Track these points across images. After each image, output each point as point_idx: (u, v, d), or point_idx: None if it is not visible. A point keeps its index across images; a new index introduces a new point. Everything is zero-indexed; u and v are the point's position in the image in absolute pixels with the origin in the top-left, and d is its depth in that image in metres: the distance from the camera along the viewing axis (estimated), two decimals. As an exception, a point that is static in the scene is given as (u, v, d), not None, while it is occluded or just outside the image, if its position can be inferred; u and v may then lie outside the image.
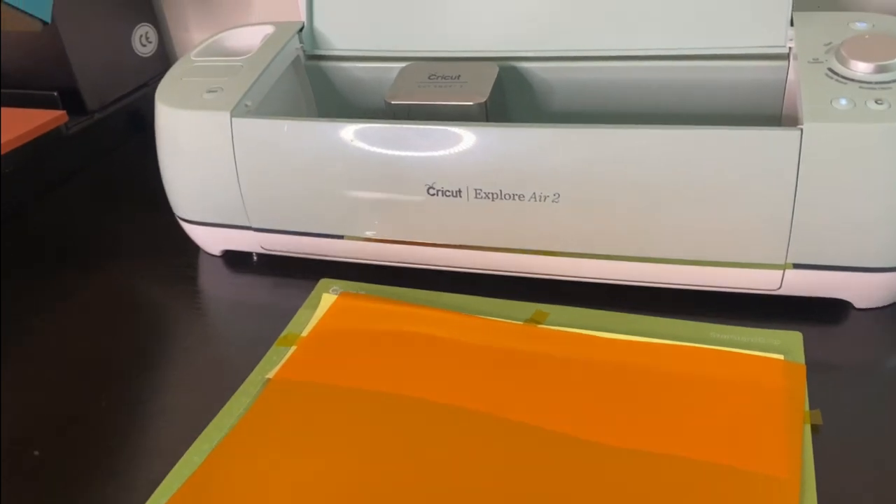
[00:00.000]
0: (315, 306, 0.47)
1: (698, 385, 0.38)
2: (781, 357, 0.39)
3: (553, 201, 0.42)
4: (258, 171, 0.47)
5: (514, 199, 0.42)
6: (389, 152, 0.44)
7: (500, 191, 0.43)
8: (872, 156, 0.37)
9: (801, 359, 0.39)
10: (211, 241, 0.53)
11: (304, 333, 0.45)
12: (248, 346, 0.45)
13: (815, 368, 0.39)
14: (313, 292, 0.48)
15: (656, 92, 0.49)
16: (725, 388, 0.38)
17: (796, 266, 0.41)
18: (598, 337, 0.42)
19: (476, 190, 0.43)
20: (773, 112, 0.47)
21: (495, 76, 0.49)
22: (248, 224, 0.49)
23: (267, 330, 0.46)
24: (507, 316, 0.44)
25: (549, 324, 0.43)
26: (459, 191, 0.43)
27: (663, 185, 0.40)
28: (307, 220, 0.48)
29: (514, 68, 0.51)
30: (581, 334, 0.42)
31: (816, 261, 0.40)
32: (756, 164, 0.38)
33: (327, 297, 0.47)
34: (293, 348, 0.44)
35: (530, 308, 0.44)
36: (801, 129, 0.37)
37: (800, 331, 0.41)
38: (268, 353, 0.44)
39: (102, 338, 0.48)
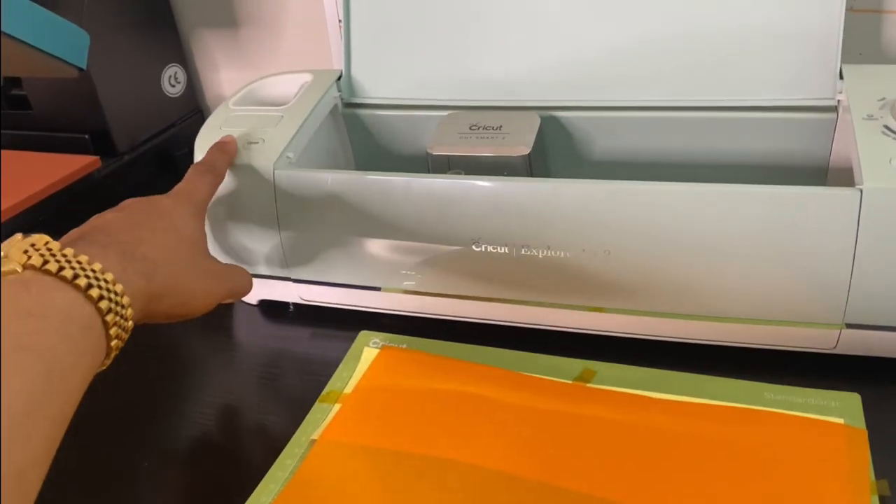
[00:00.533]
0: (356, 360, 0.46)
1: (755, 450, 0.37)
2: (841, 420, 0.38)
3: (603, 259, 0.41)
4: (300, 222, 0.46)
5: (562, 254, 0.42)
6: (435, 206, 0.43)
7: (549, 247, 0.42)
8: (934, 217, 0.37)
9: (862, 422, 0.38)
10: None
11: (347, 390, 0.44)
12: (288, 402, 0.44)
13: (874, 432, 0.38)
14: (353, 346, 0.47)
15: (702, 142, 0.48)
16: (784, 453, 0.37)
17: (850, 326, 0.40)
18: (648, 398, 0.41)
19: (523, 246, 0.42)
20: (819, 164, 0.47)
21: (537, 127, 0.48)
22: (287, 275, 0.49)
23: (307, 384, 0.45)
24: (554, 373, 0.43)
25: (597, 382, 0.43)
26: (506, 246, 0.43)
27: (718, 242, 0.39)
28: (348, 273, 0.47)
29: (555, 118, 0.50)
30: (631, 395, 0.41)
31: (873, 321, 0.40)
32: (814, 224, 0.38)
33: (368, 350, 0.47)
34: (336, 406, 0.43)
35: (578, 365, 0.44)
36: (861, 190, 0.37)
37: (856, 392, 0.40)
38: (311, 412, 0.43)
39: (135, 392, 0.47)
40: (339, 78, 0.54)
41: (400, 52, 0.53)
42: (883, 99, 0.42)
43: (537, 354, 0.45)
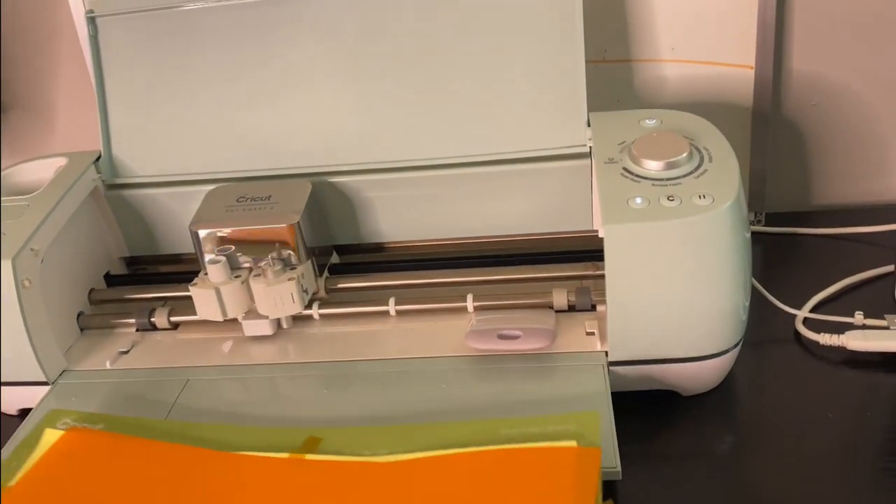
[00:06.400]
0: (32, 447, 0.40)
1: (488, 491, 0.35)
2: (574, 443, 0.36)
3: None
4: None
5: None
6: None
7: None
8: (670, 251, 0.38)
9: (597, 440, 0.37)
10: (6, 400, 0.47)
11: (12, 483, 0.37)
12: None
13: (646, 457, 0.39)
14: (34, 429, 0.41)
15: (473, 195, 0.49)
16: (516, 488, 0.35)
17: (613, 364, 0.41)
18: (375, 463, 0.38)
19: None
20: (585, 204, 0.48)
21: (308, 193, 0.47)
22: (44, 379, 0.44)
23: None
24: (273, 446, 0.39)
25: (323, 450, 0.38)
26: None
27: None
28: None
29: (329, 182, 0.49)
30: (358, 462, 0.38)
31: (634, 356, 0.41)
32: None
33: (51, 432, 0.40)
34: (-5, 503, 0.37)
35: (301, 434, 0.40)
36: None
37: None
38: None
39: None
40: (98, 159, 0.51)
41: (162, 126, 0.51)
42: (623, 142, 0.43)
43: (256, 427, 0.41)
